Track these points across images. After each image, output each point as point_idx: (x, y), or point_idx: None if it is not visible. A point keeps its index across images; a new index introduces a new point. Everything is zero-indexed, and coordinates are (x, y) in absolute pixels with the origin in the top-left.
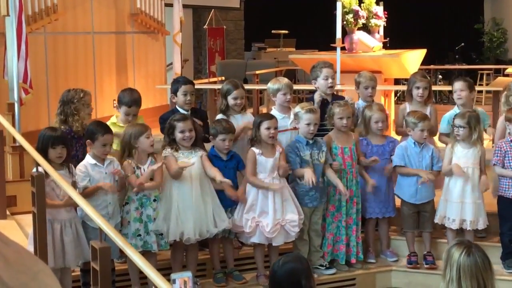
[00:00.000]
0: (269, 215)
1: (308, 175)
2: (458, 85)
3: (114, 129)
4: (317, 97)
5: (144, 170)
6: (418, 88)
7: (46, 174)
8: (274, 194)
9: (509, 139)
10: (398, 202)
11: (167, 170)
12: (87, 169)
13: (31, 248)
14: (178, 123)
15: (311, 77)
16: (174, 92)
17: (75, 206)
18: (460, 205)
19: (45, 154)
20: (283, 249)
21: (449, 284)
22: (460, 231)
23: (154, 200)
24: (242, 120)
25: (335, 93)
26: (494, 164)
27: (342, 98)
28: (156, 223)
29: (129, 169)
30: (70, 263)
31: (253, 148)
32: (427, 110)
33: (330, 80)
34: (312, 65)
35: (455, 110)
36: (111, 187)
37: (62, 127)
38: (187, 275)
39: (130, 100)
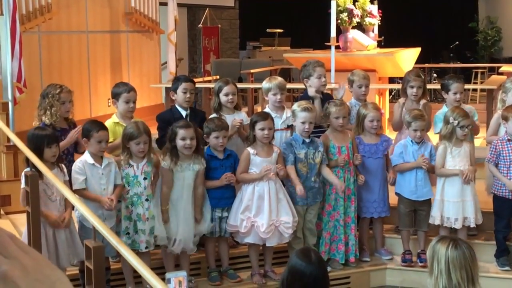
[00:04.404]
0: (265, 215)
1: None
2: (458, 87)
3: (116, 128)
4: (312, 93)
5: (137, 168)
6: (412, 87)
7: (40, 175)
8: (270, 194)
9: (506, 138)
10: (392, 201)
11: (161, 180)
12: (84, 167)
13: None
14: (180, 130)
15: (302, 75)
16: (174, 89)
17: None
18: (461, 203)
19: (39, 154)
20: (278, 247)
21: (438, 278)
22: (454, 230)
23: (146, 200)
24: (235, 119)
25: (327, 92)
26: (487, 161)
27: (331, 97)
28: (156, 228)
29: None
30: (63, 263)
31: (249, 149)
32: (420, 107)
33: (323, 79)
34: (303, 64)
35: (445, 109)
36: (109, 205)
37: (36, 122)
38: (182, 274)
39: (126, 87)
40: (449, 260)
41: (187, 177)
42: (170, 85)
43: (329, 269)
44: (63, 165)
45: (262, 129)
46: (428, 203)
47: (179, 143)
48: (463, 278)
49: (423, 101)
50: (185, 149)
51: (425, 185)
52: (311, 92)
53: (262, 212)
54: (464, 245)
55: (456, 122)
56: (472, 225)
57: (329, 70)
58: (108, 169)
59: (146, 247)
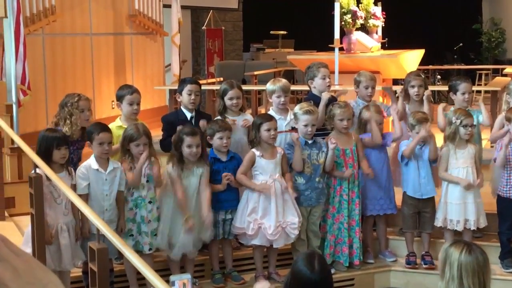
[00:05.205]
0: (272, 217)
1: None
2: (467, 87)
3: (119, 132)
4: (325, 95)
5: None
6: (413, 87)
7: (46, 177)
8: (276, 196)
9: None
10: (397, 202)
11: (172, 188)
12: (87, 172)
13: (26, 247)
14: (187, 137)
15: (306, 77)
16: (180, 91)
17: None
18: (463, 205)
19: (48, 156)
20: (282, 249)
21: (450, 282)
22: (458, 232)
23: (150, 202)
24: (238, 120)
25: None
26: (495, 160)
27: (335, 99)
28: (158, 242)
29: (126, 166)
30: (66, 266)
31: (254, 150)
32: (424, 107)
33: (327, 80)
34: (307, 66)
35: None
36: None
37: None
38: (186, 277)
39: (130, 89)
40: (461, 265)
41: (192, 183)
42: (174, 87)
43: (333, 271)
44: (71, 169)
45: (268, 130)
46: (431, 204)
47: (185, 150)
48: (474, 284)
49: (427, 92)
50: (190, 156)
51: (428, 183)
52: (325, 96)
53: (269, 214)
54: (478, 250)
55: (459, 121)
56: (473, 227)
57: (333, 72)
58: (113, 175)
59: (150, 249)
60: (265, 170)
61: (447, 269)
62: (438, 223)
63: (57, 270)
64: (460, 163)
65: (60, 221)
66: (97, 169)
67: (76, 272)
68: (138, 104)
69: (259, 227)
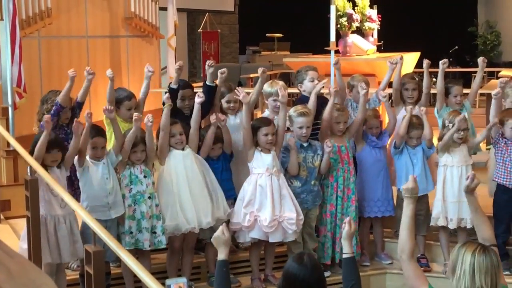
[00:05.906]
0: (268, 209)
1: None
2: (459, 89)
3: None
4: (317, 88)
5: (137, 169)
6: (407, 89)
7: (45, 168)
8: (273, 189)
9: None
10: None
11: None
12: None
13: (23, 246)
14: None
15: (296, 82)
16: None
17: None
18: (457, 204)
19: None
20: (279, 252)
21: (461, 278)
22: (454, 233)
23: (149, 198)
24: (235, 121)
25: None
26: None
27: (326, 99)
28: (165, 225)
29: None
30: (65, 259)
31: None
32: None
33: (316, 81)
34: (297, 71)
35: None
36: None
37: (36, 128)
38: (182, 281)
39: (127, 94)
40: (474, 263)
41: (185, 155)
42: None
43: (328, 273)
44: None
45: (266, 135)
46: (425, 206)
47: (171, 140)
48: (487, 284)
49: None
50: (176, 144)
51: (421, 182)
52: (317, 88)
53: (264, 207)
54: (492, 252)
55: (452, 125)
56: (469, 226)
57: (328, 75)
58: (107, 160)
59: (150, 246)
60: (263, 163)
61: (459, 265)
62: (438, 222)
63: (56, 262)
64: (455, 162)
65: (57, 213)
66: (92, 161)
67: (74, 275)
68: (135, 108)
69: (255, 219)
